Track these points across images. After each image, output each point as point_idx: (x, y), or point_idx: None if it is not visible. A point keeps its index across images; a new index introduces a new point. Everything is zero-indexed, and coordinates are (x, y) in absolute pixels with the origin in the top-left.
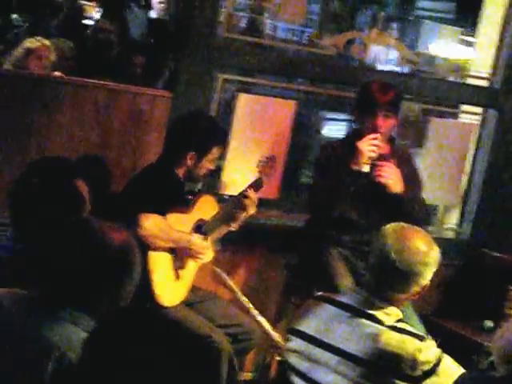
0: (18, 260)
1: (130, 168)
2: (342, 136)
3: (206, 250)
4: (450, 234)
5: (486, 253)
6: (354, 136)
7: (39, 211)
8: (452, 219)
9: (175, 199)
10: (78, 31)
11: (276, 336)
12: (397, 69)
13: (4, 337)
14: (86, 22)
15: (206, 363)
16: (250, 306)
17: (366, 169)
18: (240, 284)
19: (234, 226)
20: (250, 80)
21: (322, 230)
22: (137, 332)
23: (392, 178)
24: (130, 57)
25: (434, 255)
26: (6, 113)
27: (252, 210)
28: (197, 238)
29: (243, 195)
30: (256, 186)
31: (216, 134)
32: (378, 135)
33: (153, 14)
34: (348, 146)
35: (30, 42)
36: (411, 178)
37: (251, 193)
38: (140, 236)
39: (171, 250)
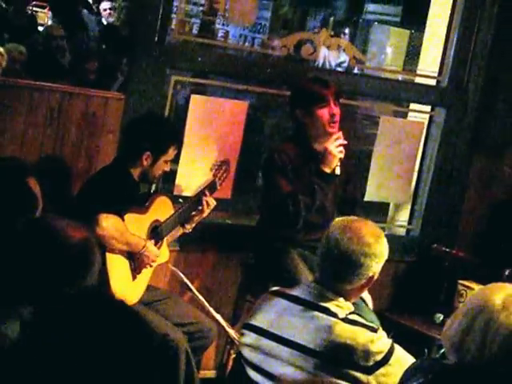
0: None
1: (84, 169)
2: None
3: (156, 258)
4: (401, 231)
5: (436, 248)
6: (302, 135)
7: None
8: (402, 216)
9: (131, 200)
10: (31, 37)
11: (232, 333)
12: (347, 69)
13: None
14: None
15: (164, 361)
16: (207, 304)
17: (338, 171)
18: (197, 283)
19: (188, 228)
20: (202, 81)
21: (278, 230)
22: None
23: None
24: (82, 62)
25: (377, 248)
26: None
27: (207, 213)
28: (151, 245)
29: (199, 197)
30: (210, 188)
31: (171, 134)
32: (340, 133)
33: (103, 21)
34: (302, 148)
35: None
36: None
37: (208, 196)
38: (98, 236)
39: (128, 252)
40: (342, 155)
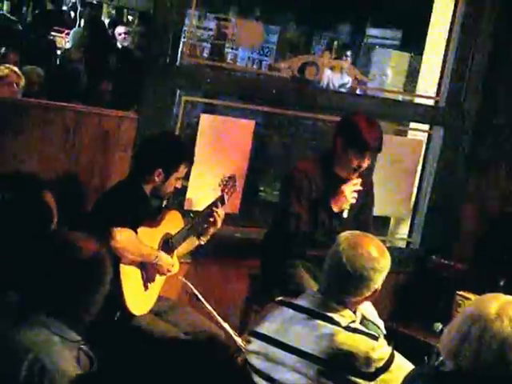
0: None
1: (99, 185)
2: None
3: (171, 266)
4: (402, 244)
5: (435, 260)
6: (328, 162)
7: (8, 224)
8: (403, 230)
9: (143, 214)
10: (50, 61)
11: (239, 341)
12: (350, 90)
13: None
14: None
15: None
16: (215, 313)
17: (345, 214)
18: (206, 293)
19: (203, 240)
20: (212, 101)
21: (285, 245)
22: (108, 340)
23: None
24: (97, 84)
25: (384, 261)
26: None
27: (218, 225)
28: (163, 255)
29: (209, 210)
30: (219, 203)
31: (183, 152)
32: (359, 180)
33: (118, 45)
34: (324, 173)
35: (1, 70)
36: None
37: (218, 209)
38: (113, 248)
39: (140, 263)
40: (354, 201)
